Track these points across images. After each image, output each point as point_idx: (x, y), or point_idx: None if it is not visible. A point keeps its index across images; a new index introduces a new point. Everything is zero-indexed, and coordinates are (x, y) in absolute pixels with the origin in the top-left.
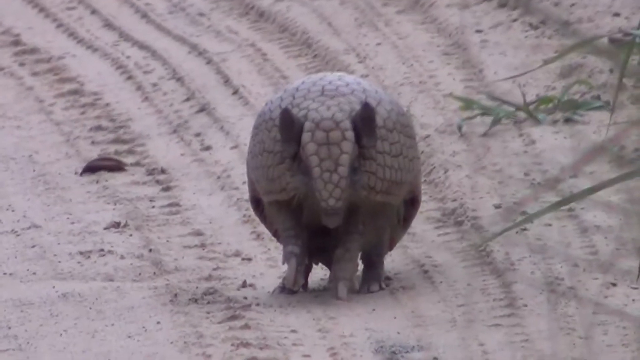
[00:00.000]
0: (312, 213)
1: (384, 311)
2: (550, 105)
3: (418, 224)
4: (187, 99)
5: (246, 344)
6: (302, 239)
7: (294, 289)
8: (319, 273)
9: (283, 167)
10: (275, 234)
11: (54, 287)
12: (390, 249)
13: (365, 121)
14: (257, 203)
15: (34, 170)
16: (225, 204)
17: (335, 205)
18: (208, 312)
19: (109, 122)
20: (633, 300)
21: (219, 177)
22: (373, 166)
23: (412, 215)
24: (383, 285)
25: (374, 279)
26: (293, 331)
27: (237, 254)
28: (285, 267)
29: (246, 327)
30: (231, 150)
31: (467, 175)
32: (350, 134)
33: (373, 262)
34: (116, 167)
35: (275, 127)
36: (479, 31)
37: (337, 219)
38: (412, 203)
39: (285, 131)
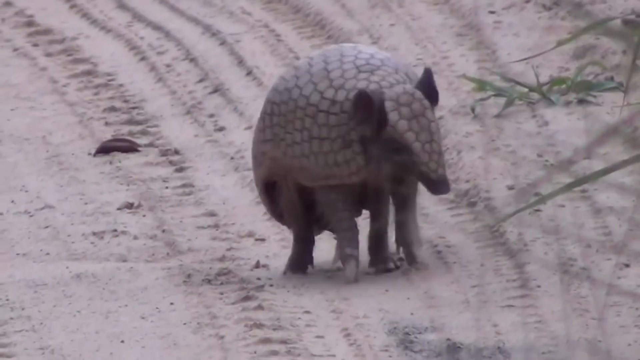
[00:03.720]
0: (367, 193)
1: (397, 292)
2: (564, 86)
3: (431, 205)
4: (201, 80)
5: (259, 325)
6: (358, 241)
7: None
8: (332, 254)
9: (352, 151)
10: (280, 217)
11: (67, 267)
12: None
13: (428, 86)
14: (269, 187)
15: (48, 151)
16: (239, 184)
17: (444, 172)
18: (221, 293)
19: (123, 103)
20: None
21: (232, 158)
22: None
23: None
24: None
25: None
26: (306, 312)
27: (250, 234)
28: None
29: (259, 308)
30: (245, 131)
31: (481, 156)
32: (426, 102)
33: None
34: (130, 147)
35: (321, 113)
36: (492, 12)
37: (448, 186)
38: None
39: (362, 113)
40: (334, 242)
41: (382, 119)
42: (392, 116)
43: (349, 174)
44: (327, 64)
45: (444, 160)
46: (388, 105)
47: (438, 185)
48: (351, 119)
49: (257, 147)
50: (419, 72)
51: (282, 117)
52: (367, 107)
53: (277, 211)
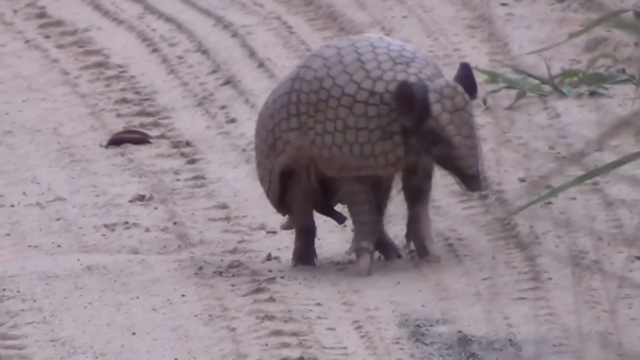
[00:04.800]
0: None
1: (408, 284)
2: (575, 78)
3: (443, 198)
4: (213, 72)
5: (271, 317)
6: (375, 235)
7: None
8: (344, 246)
9: (392, 143)
10: (283, 206)
11: (78, 259)
12: None
13: (467, 80)
14: (284, 175)
15: (59, 143)
16: (250, 176)
17: (481, 169)
18: (233, 285)
19: (134, 95)
20: None
21: (244, 150)
22: None
23: None
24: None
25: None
26: (318, 304)
27: (261, 227)
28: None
29: (271, 300)
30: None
31: (492, 148)
32: (467, 96)
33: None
34: (141, 139)
35: (358, 104)
36: (504, 4)
37: (481, 183)
38: None
39: (404, 104)
40: (345, 234)
41: (424, 111)
42: (435, 108)
43: (385, 165)
44: (360, 55)
45: (481, 157)
46: (432, 97)
47: (473, 182)
48: (393, 111)
49: (275, 135)
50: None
51: (310, 106)
52: (409, 99)
53: (283, 200)
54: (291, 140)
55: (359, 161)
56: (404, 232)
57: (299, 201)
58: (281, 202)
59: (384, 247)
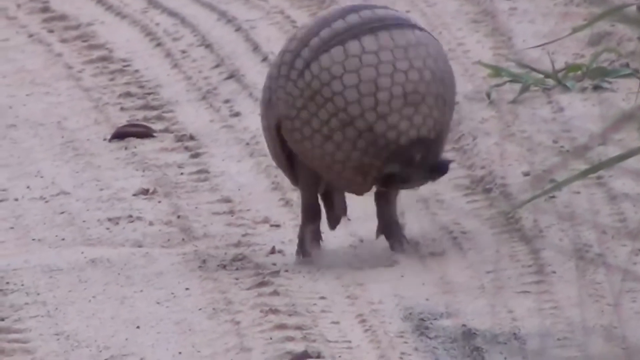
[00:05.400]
0: None
1: (412, 278)
2: (579, 72)
3: (447, 191)
4: (216, 66)
5: (275, 311)
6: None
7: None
8: (348, 240)
9: None
10: (292, 177)
11: (82, 253)
12: None
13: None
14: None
15: (63, 137)
16: (254, 170)
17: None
18: (237, 279)
19: (138, 89)
20: None
21: (248, 144)
22: None
23: None
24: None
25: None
26: (322, 298)
27: (265, 220)
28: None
29: (275, 293)
30: (260, 116)
31: (496, 142)
32: None
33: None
34: (145, 133)
35: None
36: None
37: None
38: None
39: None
40: (350, 227)
41: None
42: None
43: None
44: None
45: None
46: None
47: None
48: None
49: (271, 89)
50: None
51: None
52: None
53: (293, 171)
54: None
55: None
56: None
57: (303, 178)
58: (289, 168)
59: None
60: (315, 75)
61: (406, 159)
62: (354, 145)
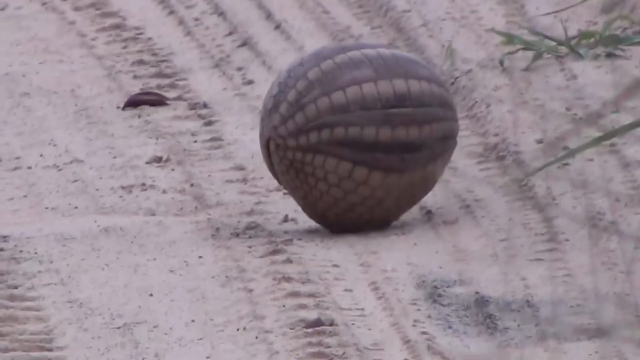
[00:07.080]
0: None
1: (425, 246)
2: (592, 40)
3: (460, 159)
4: (230, 34)
5: (288, 279)
6: None
7: None
8: None
9: None
10: None
11: (95, 221)
12: None
13: None
14: None
15: (76, 105)
16: None
17: None
18: (250, 247)
19: (151, 57)
20: None
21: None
22: None
23: None
24: None
25: None
26: (335, 265)
27: (278, 188)
28: None
29: (288, 261)
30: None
31: (509, 109)
32: None
33: None
34: (158, 101)
35: None
36: None
37: None
38: None
39: None
40: None
41: None
42: None
43: None
44: None
45: None
46: None
47: None
48: None
49: None
50: (448, 27)
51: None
52: None
53: None
54: None
55: None
56: None
57: None
58: None
59: None
60: None
61: None
62: None
